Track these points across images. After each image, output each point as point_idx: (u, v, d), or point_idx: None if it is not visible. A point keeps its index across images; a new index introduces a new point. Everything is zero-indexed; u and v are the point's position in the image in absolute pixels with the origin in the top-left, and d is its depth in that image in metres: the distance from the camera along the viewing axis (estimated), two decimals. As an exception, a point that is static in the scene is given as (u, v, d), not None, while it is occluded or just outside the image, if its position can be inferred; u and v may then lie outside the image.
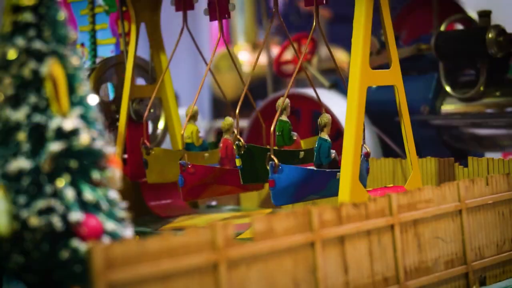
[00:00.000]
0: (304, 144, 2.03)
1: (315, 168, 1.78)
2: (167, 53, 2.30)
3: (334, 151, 1.79)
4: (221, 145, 2.05)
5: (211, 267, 1.18)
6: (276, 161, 1.69)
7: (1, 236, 1.26)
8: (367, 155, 1.80)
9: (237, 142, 1.84)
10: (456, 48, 2.35)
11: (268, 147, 1.90)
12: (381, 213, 1.42)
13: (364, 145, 1.80)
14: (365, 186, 1.78)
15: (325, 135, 1.78)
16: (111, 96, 2.41)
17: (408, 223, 1.47)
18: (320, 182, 1.74)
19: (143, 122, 2.22)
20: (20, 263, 1.29)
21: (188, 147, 2.19)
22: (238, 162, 1.86)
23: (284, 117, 1.92)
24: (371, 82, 1.68)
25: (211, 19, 2.00)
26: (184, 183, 1.98)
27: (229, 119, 2.05)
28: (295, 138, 1.93)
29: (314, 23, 1.78)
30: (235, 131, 1.87)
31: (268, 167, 1.70)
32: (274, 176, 1.70)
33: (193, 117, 2.20)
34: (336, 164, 1.80)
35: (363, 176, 1.77)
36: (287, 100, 1.91)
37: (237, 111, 1.85)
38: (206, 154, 2.14)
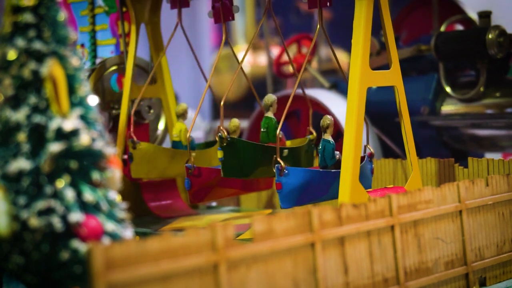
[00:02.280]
0: (290, 144, 2.02)
1: (320, 170, 1.77)
2: (167, 53, 2.30)
3: (338, 152, 1.79)
4: None
5: (211, 268, 1.18)
6: (282, 164, 1.69)
7: (1, 236, 1.26)
8: (370, 156, 1.80)
9: (219, 134, 1.83)
10: (456, 49, 2.35)
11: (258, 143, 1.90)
12: (381, 214, 1.42)
13: (368, 146, 1.80)
14: (370, 186, 1.78)
15: (328, 137, 1.77)
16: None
17: (408, 224, 1.47)
18: (326, 183, 1.74)
19: (131, 116, 2.19)
20: (20, 264, 1.29)
21: (176, 145, 2.19)
22: (219, 154, 1.84)
23: (270, 114, 1.91)
24: (371, 83, 1.68)
25: (216, 22, 2.00)
26: (191, 186, 1.98)
27: (235, 121, 2.05)
28: (280, 136, 1.91)
29: (318, 26, 1.78)
30: (222, 128, 1.84)
31: (274, 170, 1.70)
32: (281, 179, 1.69)
33: (182, 116, 2.19)
34: (341, 165, 1.80)
35: (367, 177, 1.77)
36: (274, 97, 1.92)
37: (221, 103, 1.84)
38: (193, 154, 2.13)
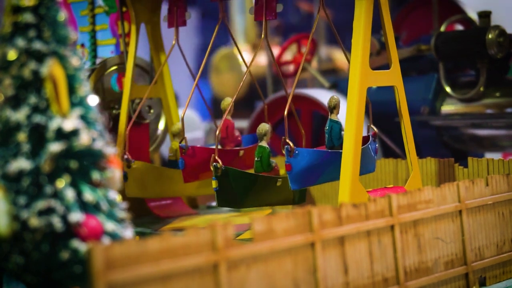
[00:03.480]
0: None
1: (328, 150, 1.77)
2: (167, 53, 2.30)
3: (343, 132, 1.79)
4: (221, 125, 2.04)
5: (211, 268, 1.18)
6: (291, 144, 1.69)
7: (1, 236, 1.26)
8: (374, 135, 1.80)
9: (214, 164, 1.83)
10: (456, 49, 2.35)
11: (248, 171, 1.90)
12: (381, 214, 1.42)
13: (372, 126, 1.80)
14: (374, 168, 1.78)
15: (335, 117, 1.77)
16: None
17: (408, 224, 1.47)
18: (335, 164, 1.73)
19: (125, 133, 2.17)
20: (20, 264, 1.29)
21: (171, 164, 2.19)
22: (214, 184, 1.84)
23: (264, 143, 1.90)
24: (371, 83, 1.68)
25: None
26: (185, 166, 1.99)
27: (229, 100, 2.05)
28: (273, 165, 1.92)
29: (314, 26, 1.78)
30: (217, 157, 1.83)
31: (283, 152, 1.70)
32: (290, 160, 1.69)
33: (177, 135, 2.20)
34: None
35: (371, 157, 1.76)
36: (267, 127, 1.90)
37: (217, 132, 1.85)
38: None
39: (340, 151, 1.72)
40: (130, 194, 2.14)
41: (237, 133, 2.12)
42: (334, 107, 1.78)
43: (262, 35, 1.93)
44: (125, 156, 2.12)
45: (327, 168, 1.73)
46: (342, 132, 1.76)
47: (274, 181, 1.89)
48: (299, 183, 1.72)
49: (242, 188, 1.86)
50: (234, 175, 1.84)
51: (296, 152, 1.69)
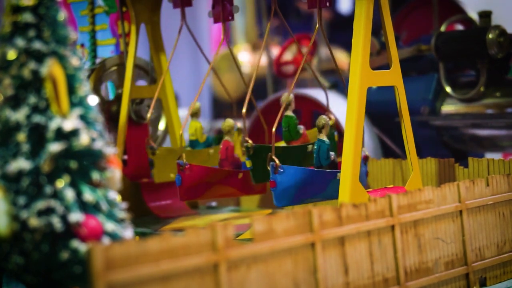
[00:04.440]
0: (311, 135, 2.03)
1: (315, 169, 1.78)
2: (167, 53, 2.30)
3: (333, 152, 1.79)
4: (221, 146, 2.05)
5: (211, 268, 1.18)
6: (277, 161, 1.69)
7: (1, 236, 1.26)
8: (365, 158, 1.80)
9: (245, 144, 1.84)
10: (456, 49, 2.35)
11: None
12: (381, 214, 1.42)
13: (363, 149, 1.80)
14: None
15: (323, 137, 1.78)
16: (111, 95, 2.41)
17: (408, 224, 1.47)
18: (321, 183, 1.74)
19: (147, 123, 2.22)
20: (20, 264, 1.29)
21: (193, 144, 2.19)
22: (248, 164, 1.86)
23: (289, 112, 1.93)
24: (371, 83, 1.68)
25: (215, 21, 2.00)
26: (182, 183, 1.98)
27: (229, 121, 2.05)
28: (301, 132, 1.93)
29: (317, 25, 1.78)
30: (239, 132, 1.86)
31: (269, 168, 1.70)
32: (275, 177, 1.70)
33: (195, 114, 2.20)
34: (335, 166, 1.80)
35: (363, 179, 1.76)
36: (291, 96, 1.92)
37: (243, 110, 1.84)
38: (211, 151, 2.14)
39: (327, 170, 1.73)
40: (159, 180, 2.17)
41: (236, 156, 2.12)
42: (323, 127, 1.78)
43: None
44: (149, 145, 2.14)
45: (313, 187, 1.74)
46: (331, 152, 1.77)
47: (304, 149, 1.90)
48: (284, 200, 1.72)
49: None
50: (265, 151, 1.84)
51: (281, 170, 1.69)
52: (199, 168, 2.00)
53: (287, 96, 1.91)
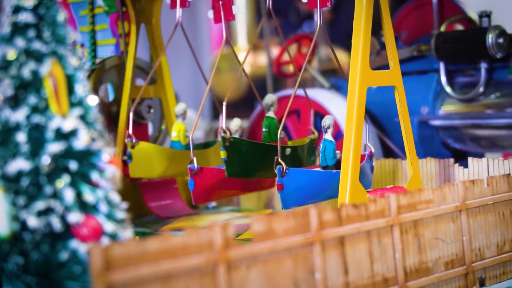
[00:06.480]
0: (291, 144, 2.02)
1: (321, 170, 1.77)
2: (167, 53, 2.30)
3: (339, 151, 1.79)
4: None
5: (211, 268, 1.18)
6: (283, 164, 1.69)
7: (1, 238, 1.26)
8: (371, 154, 1.80)
9: (222, 134, 1.83)
10: (456, 49, 2.35)
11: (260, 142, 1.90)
12: (381, 214, 1.42)
13: (368, 144, 1.80)
14: (370, 185, 1.78)
15: (329, 136, 1.77)
16: (111, 96, 2.41)
17: (408, 224, 1.47)
18: (327, 183, 1.74)
19: (130, 115, 2.16)
20: (19, 264, 1.29)
21: (174, 145, 2.18)
22: (222, 154, 1.84)
23: (271, 114, 1.92)
24: (371, 83, 1.68)
25: (216, 22, 2.00)
26: (195, 186, 1.98)
27: (237, 121, 2.04)
28: (281, 136, 1.92)
29: (318, 26, 1.78)
30: (223, 125, 1.85)
31: (275, 171, 1.70)
32: (282, 180, 1.69)
33: (181, 115, 2.19)
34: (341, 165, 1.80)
35: (368, 175, 1.76)
36: (274, 97, 1.92)
37: (224, 104, 1.84)
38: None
39: (334, 171, 1.73)
40: (134, 175, 2.14)
41: None
42: (329, 127, 1.77)
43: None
44: (129, 137, 2.11)
45: (320, 188, 1.73)
46: (337, 151, 1.77)
47: (282, 150, 1.89)
48: (291, 203, 1.71)
49: (251, 158, 1.86)
50: (242, 145, 1.83)
51: (288, 171, 1.69)
52: (210, 170, 2.00)
53: (270, 96, 1.91)
